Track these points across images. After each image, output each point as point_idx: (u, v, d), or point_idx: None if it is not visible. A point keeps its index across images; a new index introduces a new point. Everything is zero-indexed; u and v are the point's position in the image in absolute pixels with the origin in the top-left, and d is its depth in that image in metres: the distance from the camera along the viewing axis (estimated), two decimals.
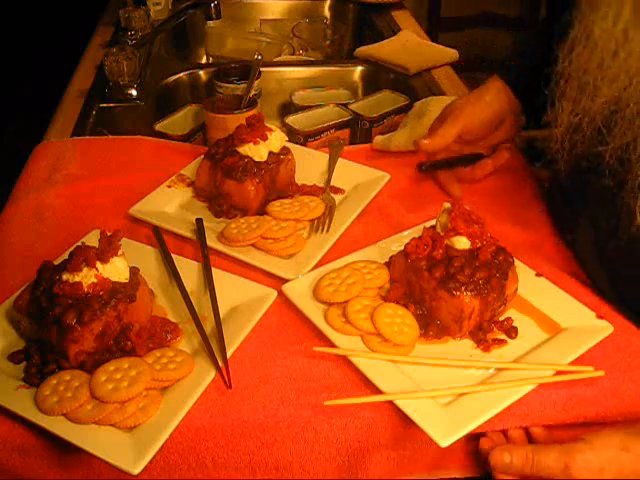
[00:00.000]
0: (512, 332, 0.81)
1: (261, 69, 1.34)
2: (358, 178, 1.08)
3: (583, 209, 0.89)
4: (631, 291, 0.83)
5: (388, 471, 0.76)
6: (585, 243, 0.89)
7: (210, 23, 1.77)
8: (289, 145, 1.07)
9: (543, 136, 1.21)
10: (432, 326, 0.80)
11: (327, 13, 1.98)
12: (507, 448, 0.69)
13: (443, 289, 0.78)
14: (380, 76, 1.57)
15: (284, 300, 0.84)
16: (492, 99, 1.05)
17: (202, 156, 1.04)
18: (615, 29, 0.75)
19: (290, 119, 1.29)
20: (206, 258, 0.90)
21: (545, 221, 1.01)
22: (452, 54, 1.59)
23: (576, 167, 0.86)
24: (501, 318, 0.82)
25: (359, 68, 1.60)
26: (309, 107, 1.34)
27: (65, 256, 0.82)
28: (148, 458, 0.65)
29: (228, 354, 0.76)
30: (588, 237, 0.88)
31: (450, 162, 1.06)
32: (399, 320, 0.79)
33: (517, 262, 0.85)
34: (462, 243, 0.81)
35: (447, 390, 0.73)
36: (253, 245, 0.93)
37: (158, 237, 0.94)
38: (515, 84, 1.06)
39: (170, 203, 1.02)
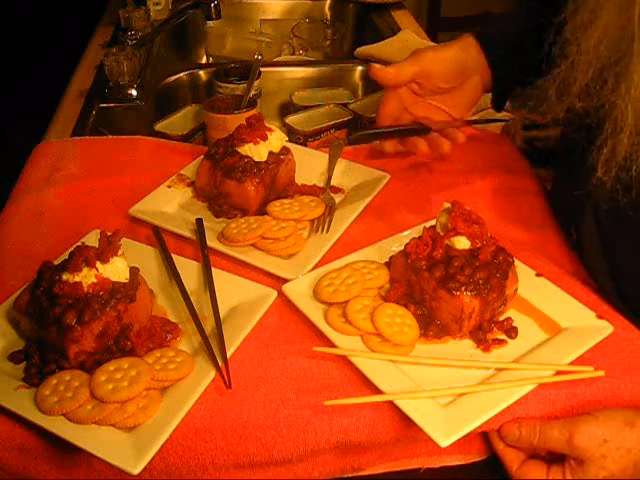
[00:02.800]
0: (512, 332, 0.81)
1: (261, 69, 1.34)
2: (358, 178, 1.08)
3: (595, 209, 0.87)
4: (634, 292, 0.83)
5: (388, 462, 0.76)
6: (591, 243, 0.89)
7: (210, 23, 1.77)
8: (289, 145, 1.07)
9: (543, 136, 1.22)
10: (432, 326, 0.80)
11: (327, 13, 1.98)
12: (516, 420, 0.72)
13: (443, 289, 0.78)
14: None
15: (284, 300, 0.84)
16: (458, 50, 1.03)
17: (202, 156, 1.04)
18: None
19: (290, 119, 1.29)
20: (206, 258, 0.90)
21: (546, 221, 1.01)
22: None
23: (566, 125, 0.86)
24: (501, 318, 0.82)
25: (359, 68, 1.60)
26: (309, 107, 1.34)
27: (65, 256, 0.82)
28: (148, 458, 0.65)
29: (228, 354, 0.76)
30: (595, 237, 0.88)
31: (384, 133, 0.99)
32: (399, 320, 0.79)
33: (517, 262, 0.85)
34: (462, 243, 0.81)
35: (447, 390, 0.73)
36: (253, 245, 0.93)
37: (158, 237, 0.94)
38: (485, 44, 1.03)
39: (170, 203, 1.02)
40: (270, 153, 1.01)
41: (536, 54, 0.84)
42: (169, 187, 1.05)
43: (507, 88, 1.07)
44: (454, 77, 1.03)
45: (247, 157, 1.00)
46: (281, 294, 0.84)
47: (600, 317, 0.81)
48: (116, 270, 0.78)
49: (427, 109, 1.05)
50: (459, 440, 0.68)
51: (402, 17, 1.87)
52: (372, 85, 1.56)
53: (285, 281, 0.87)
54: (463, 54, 1.03)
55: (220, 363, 0.75)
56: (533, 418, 0.72)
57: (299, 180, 1.07)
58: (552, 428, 0.70)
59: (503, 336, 0.81)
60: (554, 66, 0.83)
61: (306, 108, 1.34)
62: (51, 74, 1.85)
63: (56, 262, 0.81)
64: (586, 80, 0.78)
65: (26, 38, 2.74)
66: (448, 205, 0.84)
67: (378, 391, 0.72)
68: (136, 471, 0.64)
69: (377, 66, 1.00)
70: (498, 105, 1.11)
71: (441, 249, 0.81)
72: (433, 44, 1.65)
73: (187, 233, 0.96)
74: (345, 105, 1.34)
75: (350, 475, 0.76)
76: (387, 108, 1.03)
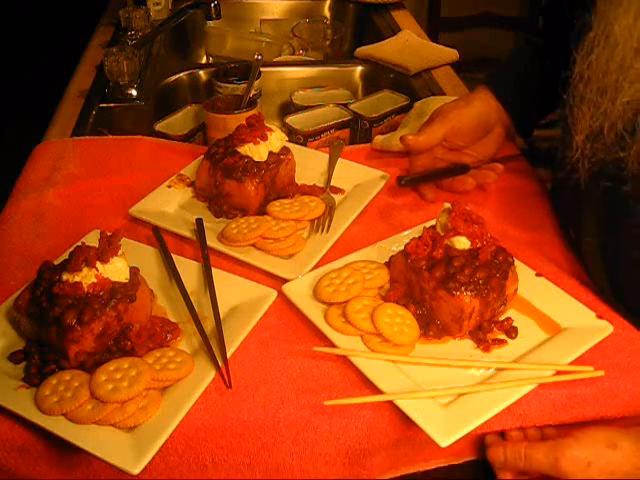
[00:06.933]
0: (512, 332, 0.81)
1: (261, 69, 1.34)
2: (358, 178, 1.08)
3: (594, 211, 0.87)
4: (631, 292, 0.83)
5: (388, 470, 0.76)
6: (590, 243, 0.89)
7: (210, 23, 1.77)
8: (289, 145, 1.07)
9: (544, 136, 1.22)
10: (432, 326, 0.80)
11: (327, 13, 1.98)
12: (502, 445, 0.73)
13: (443, 289, 0.78)
14: (380, 76, 1.57)
15: (284, 300, 0.84)
16: (481, 104, 1.05)
17: (202, 156, 1.04)
18: (637, 25, 0.72)
19: (290, 119, 1.29)
20: (206, 258, 0.90)
21: (546, 221, 1.01)
22: (452, 54, 1.59)
23: (596, 174, 0.82)
24: (501, 318, 0.82)
25: (359, 68, 1.60)
26: (309, 107, 1.34)
27: (65, 256, 0.82)
28: (148, 458, 0.65)
29: (228, 354, 0.76)
30: (594, 237, 0.87)
31: (430, 176, 1.04)
32: (399, 320, 0.79)
33: (517, 262, 0.85)
34: (462, 243, 0.81)
35: (447, 390, 0.73)
36: (253, 245, 0.93)
37: (158, 237, 0.94)
38: (502, 95, 1.06)
39: (170, 203, 1.02)
40: (270, 153, 1.01)
41: (546, 91, 0.86)
42: (169, 187, 1.05)
43: (528, 125, 1.11)
44: (480, 130, 1.06)
45: (247, 157, 1.00)
46: (281, 294, 0.84)
47: (600, 317, 0.81)
48: (116, 270, 0.78)
49: (456, 155, 1.07)
50: (457, 440, 0.68)
51: (402, 17, 1.87)
52: (372, 85, 1.56)
53: (285, 281, 0.87)
54: (486, 106, 1.05)
55: (220, 363, 0.75)
56: (518, 441, 0.73)
57: (299, 180, 1.07)
58: (537, 452, 0.70)
59: (503, 336, 0.81)
60: (578, 118, 0.82)
61: (306, 108, 1.34)
62: (51, 74, 1.84)
63: (56, 262, 0.81)
64: (614, 133, 0.77)
65: (26, 38, 2.73)
66: (448, 205, 0.84)
67: (378, 391, 0.73)
68: (136, 471, 0.64)
69: (409, 137, 1.01)
70: (524, 136, 1.14)
71: (441, 249, 0.81)
72: (432, 44, 1.65)
73: (187, 233, 0.96)
74: (345, 105, 1.34)
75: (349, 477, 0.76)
76: (420, 162, 1.05)
